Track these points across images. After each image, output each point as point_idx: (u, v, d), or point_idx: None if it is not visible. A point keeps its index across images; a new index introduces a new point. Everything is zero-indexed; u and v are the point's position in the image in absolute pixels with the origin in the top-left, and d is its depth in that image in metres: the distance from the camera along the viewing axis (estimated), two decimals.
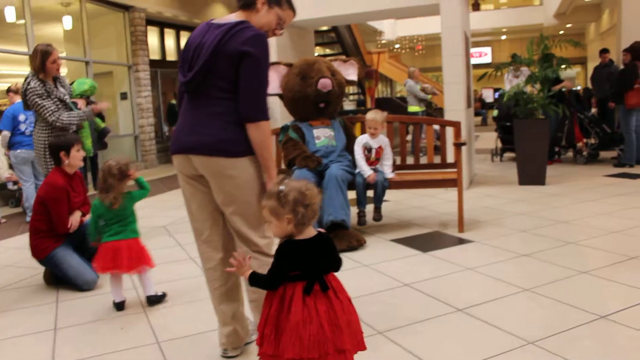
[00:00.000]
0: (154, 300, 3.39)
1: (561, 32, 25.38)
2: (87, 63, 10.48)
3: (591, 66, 22.13)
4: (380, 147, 4.69)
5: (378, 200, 4.70)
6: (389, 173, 4.67)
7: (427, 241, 4.49)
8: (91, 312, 3.32)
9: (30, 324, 3.20)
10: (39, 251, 3.75)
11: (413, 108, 10.55)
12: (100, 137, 4.79)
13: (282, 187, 1.93)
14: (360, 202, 4.73)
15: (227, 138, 2.32)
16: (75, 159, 3.74)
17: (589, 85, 10.40)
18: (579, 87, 8.90)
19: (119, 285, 3.38)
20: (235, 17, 2.41)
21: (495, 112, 8.50)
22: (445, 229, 4.84)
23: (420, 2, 6.82)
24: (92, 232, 3.45)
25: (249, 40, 2.27)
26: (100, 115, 4.91)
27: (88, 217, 3.96)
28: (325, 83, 4.69)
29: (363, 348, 2.01)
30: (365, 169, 4.61)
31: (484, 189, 6.62)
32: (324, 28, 12.17)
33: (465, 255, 4.05)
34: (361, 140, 4.70)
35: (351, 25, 11.63)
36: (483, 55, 29.69)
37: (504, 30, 28.09)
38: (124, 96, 11.73)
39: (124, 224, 3.46)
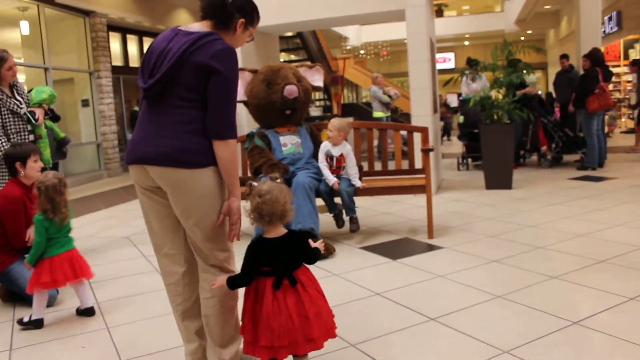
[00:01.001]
0: (89, 312, 3.35)
1: (522, 38, 25.89)
2: (46, 69, 10.17)
3: (551, 71, 22.64)
4: (341, 155, 4.56)
5: (349, 209, 4.59)
6: (356, 182, 4.56)
7: (397, 248, 4.45)
8: (50, 331, 3.16)
9: None
10: None
11: (377, 114, 10.55)
12: (60, 147, 4.59)
13: (254, 183, 2.17)
14: (330, 208, 4.67)
15: (185, 148, 2.21)
16: (32, 169, 3.58)
17: (550, 90, 10.57)
18: (539, 92, 8.97)
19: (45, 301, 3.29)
20: (204, 26, 2.32)
21: (461, 119, 8.45)
22: (415, 235, 4.81)
23: (386, 8, 6.82)
24: (35, 255, 3.25)
25: (219, 54, 2.19)
26: (54, 117, 4.69)
27: None
28: (291, 90, 4.62)
29: (333, 335, 2.19)
30: (329, 177, 4.52)
31: (451, 194, 6.64)
32: (289, 34, 12.12)
33: (436, 262, 4.02)
34: (323, 147, 4.61)
35: (316, 31, 11.60)
36: (447, 60, 30.05)
37: (467, 36, 28.51)
38: (85, 103, 11.43)
39: (67, 235, 3.39)
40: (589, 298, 3.13)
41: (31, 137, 4.22)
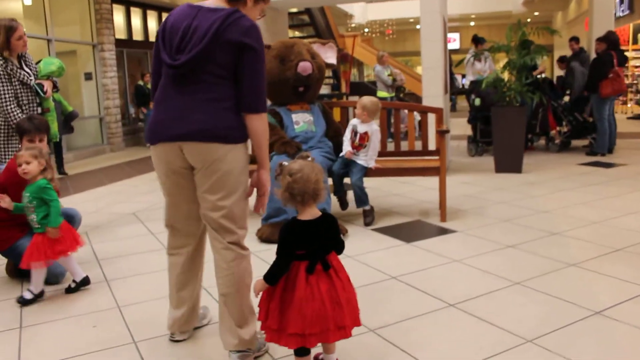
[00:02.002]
0: (85, 282, 3.35)
1: (529, 20, 25.58)
2: (49, 41, 10.01)
3: (557, 54, 22.41)
4: (366, 133, 4.53)
5: (360, 202, 4.58)
6: (370, 162, 4.52)
7: (410, 231, 4.39)
8: (58, 309, 3.10)
9: None
10: (1, 242, 3.49)
11: (382, 94, 10.37)
12: (68, 121, 4.50)
13: (284, 163, 2.08)
14: (337, 189, 4.66)
15: (223, 125, 2.27)
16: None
17: (559, 73, 10.39)
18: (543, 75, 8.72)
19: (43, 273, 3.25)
20: (218, 2, 2.35)
21: (477, 101, 8.00)
22: (427, 218, 4.74)
23: None
24: (56, 216, 3.20)
25: (248, 31, 2.25)
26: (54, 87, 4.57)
27: None
28: (305, 66, 4.51)
29: (358, 324, 2.14)
30: (346, 146, 4.57)
31: (460, 177, 6.55)
32: (295, 10, 11.92)
33: (450, 246, 3.95)
34: (352, 122, 4.65)
35: (324, 8, 11.40)
36: (452, 41, 29.75)
37: (473, 16, 28.15)
38: (88, 76, 11.29)
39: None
40: (609, 287, 3.07)
41: (39, 109, 4.12)
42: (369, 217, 4.56)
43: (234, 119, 2.28)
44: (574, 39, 9.15)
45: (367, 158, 4.53)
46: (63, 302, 3.20)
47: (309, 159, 2.11)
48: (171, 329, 2.61)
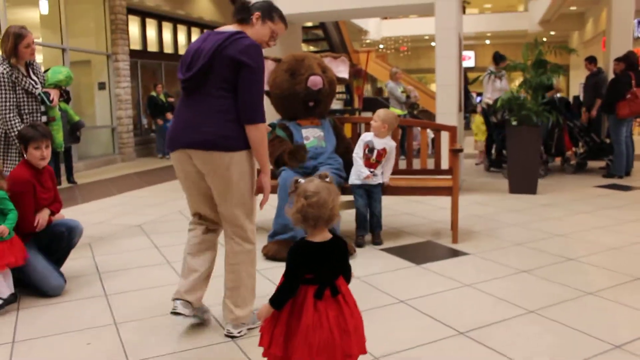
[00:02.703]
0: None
1: (544, 39, 25.46)
2: (63, 50, 10.05)
3: (573, 74, 22.25)
4: (384, 150, 4.31)
5: (378, 227, 4.47)
6: (385, 178, 4.39)
7: (420, 252, 4.25)
8: (54, 323, 2.99)
9: None
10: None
11: (395, 111, 10.25)
12: (73, 130, 4.42)
13: (300, 180, 1.97)
14: (360, 226, 4.44)
15: (225, 134, 2.59)
16: (32, 156, 3.41)
17: (578, 93, 10.24)
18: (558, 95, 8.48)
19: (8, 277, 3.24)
20: (232, 28, 2.74)
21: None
22: (438, 239, 4.61)
23: (414, 1, 6.59)
24: (12, 226, 3.22)
25: (245, 49, 2.58)
26: (67, 97, 4.52)
27: (57, 217, 3.65)
28: (315, 81, 4.43)
29: (364, 352, 2.04)
30: (362, 169, 4.30)
31: (473, 197, 6.41)
32: (309, 24, 11.91)
33: (462, 269, 3.82)
34: (365, 137, 4.40)
35: (339, 23, 11.37)
36: (467, 59, 29.69)
37: (488, 34, 28.10)
38: (102, 86, 11.31)
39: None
40: (629, 319, 2.92)
41: (44, 118, 4.06)
42: (379, 238, 4.45)
43: (234, 129, 2.60)
44: (590, 59, 8.94)
45: (382, 176, 4.39)
46: (58, 316, 3.10)
47: (327, 179, 1.97)
48: (175, 295, 2.80)
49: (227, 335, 2.75)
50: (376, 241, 4.42)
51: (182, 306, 2.75)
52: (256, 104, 2.60)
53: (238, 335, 2.74)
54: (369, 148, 4.33)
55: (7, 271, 3.19)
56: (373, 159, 4.32)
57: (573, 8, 20.01)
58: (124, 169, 10.09)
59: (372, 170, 4.32)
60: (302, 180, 1.99)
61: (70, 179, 8.31)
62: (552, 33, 24.27)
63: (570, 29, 23.50)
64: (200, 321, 2.94)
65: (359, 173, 4.33)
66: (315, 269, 1.93)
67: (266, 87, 4.62)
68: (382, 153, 4.31)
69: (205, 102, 2.63)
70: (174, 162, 2.78)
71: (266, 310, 1.96)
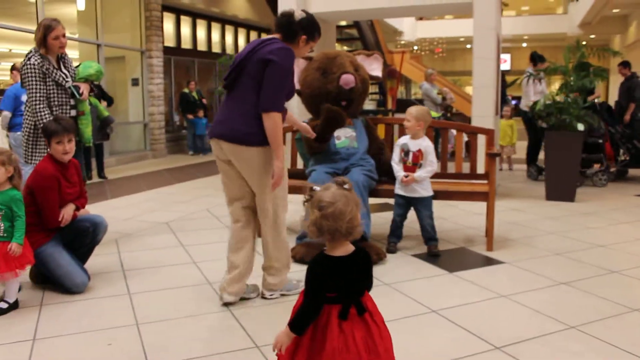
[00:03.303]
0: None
1: (583, 42, 24.84)
2: (98, 46, 10.13)
3: (614, 79, 21.63)
4: (419, 151, 4.07)
5: (431, 240, 4.17)
6: (416, 175, 4.05)
7: (453, 259, 4.09)
8: (75, 321, 2.93)
9: (8, 330, 2.83)
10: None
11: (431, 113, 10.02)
12: (103, 126, 4.36)
13: (316, 188, 1.78)
14: (393, 234, 4.25)
15: (247, 131, 2.92)
16: (55, 150, 3.35)
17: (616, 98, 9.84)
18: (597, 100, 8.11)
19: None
20: (276, 38, 3.03)
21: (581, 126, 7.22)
22: (472, 246, 4.43)
23: (453, 0, 6.40)
24: (23, 233, 3.11)
25: (275, 50, 2.89)
26: (108, 99, 4.49)
27: (82, 212, 3.60)
28: (347, 79, 4.30)
29: None
30: (399, 172, 4.10)
31: (508, 203, 6.19)
32: (344, 23, 11.79)
33: (497, 278, 3.64)
34: (400, 141, 4.21)
35: (374, 23, 11.21)
36: (503, 62, 29.15)
37: (525, 37, 27.53)
38: (135, 82, 11.38)
39: None
40: None
41: (73, 112, 4.03)
42: (435, 249, 4.16)
43: (255, 125, 2.91)
44: (624, 64, 8.62)
45: (428, 188, 4.12)
46: (81, 314, 3.04)
47: (346, 185, 1.77)
48: (220, 290, 3.14)
49: (262, 297, 3.24)
50: (432, 252, 4.13)
51: (228, 295, 3.11)
52: (271, 95, 2.86)
53: (270, 296, 3.22)
54: (405, 152, 4.13)
55: (14, 278, 3.09)
56: (409, 162, 4.10)
57: (616, 10, 19.45)
58: (155, 165, 10.12)
59: (407, 175, 4.07)
60: (317, 188, 1.78)
61: (101, 174, 8.36)
62: (592, 36, 23.66)
63: (611, 32, 22.84)
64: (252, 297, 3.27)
65: (395, 175, 4.15)
66: (337, 286, 1.73)
67: (297, 86, 4.51)
68: (418, 155, 4.08)
69: (236, 99, 2.99)
70: (213, 150, 3.14)
71: (286, 336, 1.76)
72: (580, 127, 6.14)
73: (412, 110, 4.14)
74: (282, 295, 3.26)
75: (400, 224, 4.25)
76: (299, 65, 4.53)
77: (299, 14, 3.03)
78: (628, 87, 8.26)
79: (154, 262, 4.01)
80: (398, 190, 4.17)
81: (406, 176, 4.06)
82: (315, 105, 4.48)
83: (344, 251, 1.75)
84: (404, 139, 4.19)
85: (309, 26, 3.05)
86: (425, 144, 4.10)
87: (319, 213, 1.71)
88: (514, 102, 11.13)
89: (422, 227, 4.18)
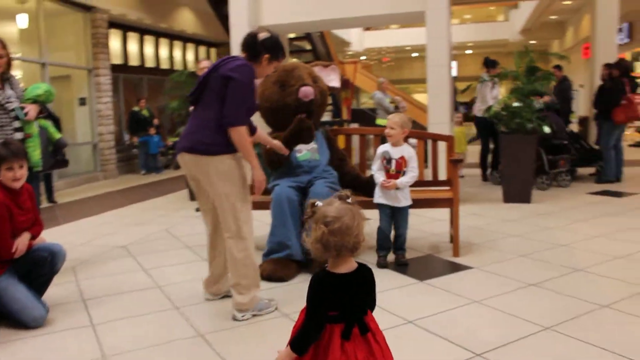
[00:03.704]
0: None
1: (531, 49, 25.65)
2: (42, 65, 9.77)
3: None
4: (402, 158, 3.95)
5: (402, 250, 4.15)
6: (398, 181, 3.94)
7: (422, 267, 4.08)
8: (36, 358, 2.75)
9: None
10: None
11: (382, 121, 9.99)
12: (56, 151, 4.08)
13: (318, 203, 1.71)
14: (382, 247, 4.10)
15: (206, 141, 3.01)
16: (4, 177, 3.16)
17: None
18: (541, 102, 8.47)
19: None
20: (240, 57, 3.14)
21: (546, 128, 7.20)
22: (438, 253, 4.44)
23: (405, 9, 6.48)
24: None
25: (235, 67, 3.00)
26: (55, 120, 4.25)
27: (38, 241, 3.40)
28: (306, 92, 4.25)
29: None
30: (379, 178, 3.99)
31: (467, 207, 6.25)
32: (292, 35, 11.79)
33: (468, 284, 3.65)
34: (381, 149, 4.07)
35: (324, 34, 11.25)
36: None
37: (470, 44, 28.26)
38: (82, 102, 11.03)
39: None
40: None
41: (19, 135, 3.81)
42: (404, 258, 4.15)
43: (214, 135, 3.00)
44: (558, 67, 9.21)
45: (408, 197, 4.04)
46: (41, 350, 2.85)
47: (349, 199, 1.71)
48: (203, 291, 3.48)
49: (234, 319, 3.14)
50: (400, 261, 4.11)
51: (209, 294, 3.46)
52: (237, 110, 2.97)
53: (241, 318, 3.12)
54: (387, 159, 4.01)
55: None
56: (392, 170, 3.97)
57: (553, 17, 20.18)
58: (107, 187, 9.81)
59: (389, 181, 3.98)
60: (319, 203, 1.71)
61: (50, 198, 8.03)
62: (533, 42, 24.46)
63: (550, 37, 23.70)
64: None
65: (376, 180, 4.02)
66: (340, 304, 1.67)
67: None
68: (402, 162, 3.95)
69: (198, 113, 3.10)
70: (179, 163, 3.24)
71: (287, 356, 1.69)
72: (547, 129, 6.28)
73: (396, 118, 4.07)
74: (254, 315, 3.17)
75: (388, 234, 4.10)
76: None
77: (263, 35, 3.14)
78: (560, 89, 8.79)
79: (115, 288, 3.84)
80: (380, 199, 4.03)
81: (389, 182, 3.93)
82: (275, 119, 4.42)
83: (347, 268, 1.69)
84: (385, 147, 4.06)
85: (272, 46, 3.15)
86: (407, 151, 4.01)
87: (326, 229, 1.63)
88: (463, 108, 11.36)
89: (396, 237, 4.12)
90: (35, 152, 3.87)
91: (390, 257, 4.17)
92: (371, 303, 1.79)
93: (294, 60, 13.27)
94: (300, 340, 1.67)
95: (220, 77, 3.00)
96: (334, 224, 1.63)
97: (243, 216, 3.10)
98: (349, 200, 1.70)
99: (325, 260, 1.72)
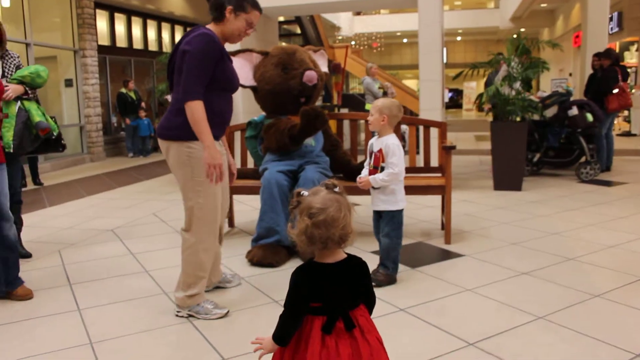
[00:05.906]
0: None
1: (514, 35, 25.65)
2: (27, 45, 9.57)
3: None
4: (380, 151, 3.32)
5: (381, 251, 3.49)
6: (371, 179, 3.32)
7: (413, 254, 4.05)
8: (19, 346, 2.68)
9: None
10: None
11: (371, 106, 9.99)
12: (38, 135, 3.88)
13: (304, 192, 1.61)
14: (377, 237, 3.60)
15: (167, 125, 2.86)
16: None
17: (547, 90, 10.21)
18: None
19: None
20: (209, 26, 2.93)
21: (590, 116, 6.98)
22: (430, 240, 4.42)
23: None
24: None
25: (190, 40, 2.77)
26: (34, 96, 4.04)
27: None
28: (311, 76, 4.20)
29: None
30: (362, 173, 3.48)
31: (458, 194, 6.24)
32: (282, 19, 11.64)
33: (459, 272, 3.63)
34: (370, 141, 3.52)
35: (315, 18, 11.12)
36: None
37: (460, 31, 28.22)
38: (69, 83, 10.85)
39: None
40: None
41: None
42: (381, 279, 3.40)
43: (171, 119, 2.84)
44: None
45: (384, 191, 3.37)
46: (26, 335, 2.79)
47: (336, 189, 1.60)
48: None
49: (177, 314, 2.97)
50: (374, 278, 3.32)
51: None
52: (187, 85, 2.73)
53: (177, 314, 2.94)
54: (370, 153, 3.46)
55: None
56: (371, 165, 3.41)
57: (544, 5, 20.18)
58: (93, 170, 9.69)
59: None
60: (305, 193, 1.60)
61: (35, 180, 7.91)
62: (523, 30, 24.44)
63: (540, 25, 23.73)
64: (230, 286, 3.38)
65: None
66: (323, 296, 1.57)
67: (253, 83, 4.35)
68: (379, 156, 3.33)
69: (172, 96, 2.91)
70: None
71: (270, 346, 1.64)
72: (590, 118, 6.27)
73: (378, 102, 3.50)
74: (190, 316, 2.92)
75: (375, 228, 3.55)
76: (252, 60, 4.38)
77: None
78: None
79: (102, 273, 3.78)
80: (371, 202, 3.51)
81: (361, 181, 3.40)
82: (274, 102, 4.33)
83: (333, 258, 1.60)
84: (373, 139, 3.50)
85: None
86: (386, 143, 3.31)
87: (310, 221, 1.54)
88: (451, 94, 11.31)
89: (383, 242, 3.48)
90: (9, 133, 3.72)
91: None
92: (367, 299, 1.68)
93: (283, 44, 13.14)
94: (281, 332, 1.61)
95: (179, 54, 2.79)
96: (319, 216, 1.53)
97: (197, 211, 2.85)
98: (337, 190, 1.60)
99: (312, 253, 1.63)
